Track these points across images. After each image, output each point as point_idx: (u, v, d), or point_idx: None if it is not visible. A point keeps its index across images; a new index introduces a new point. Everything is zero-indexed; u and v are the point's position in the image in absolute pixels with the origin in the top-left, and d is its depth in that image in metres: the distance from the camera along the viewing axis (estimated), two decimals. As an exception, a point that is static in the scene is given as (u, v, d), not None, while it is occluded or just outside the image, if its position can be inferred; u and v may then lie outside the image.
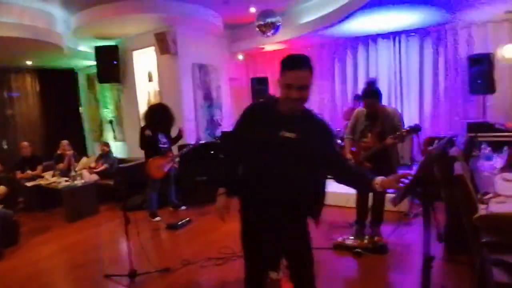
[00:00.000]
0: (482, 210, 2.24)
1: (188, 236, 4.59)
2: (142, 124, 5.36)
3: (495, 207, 2.24)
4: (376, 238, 3.73)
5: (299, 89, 1.82)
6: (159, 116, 5.11)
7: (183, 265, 3.67)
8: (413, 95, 6.76)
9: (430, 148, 2.06)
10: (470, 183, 2.51)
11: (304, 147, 1.90)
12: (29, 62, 7.58)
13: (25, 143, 6.67)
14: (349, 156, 3.83)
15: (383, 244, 3.64)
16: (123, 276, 3.40)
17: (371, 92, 3.74)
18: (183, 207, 5.64)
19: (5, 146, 7.74)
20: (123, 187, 4.92)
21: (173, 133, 5.45)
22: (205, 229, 4.70)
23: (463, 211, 2.36)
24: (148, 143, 5.02)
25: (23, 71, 7.99)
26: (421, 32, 6.53)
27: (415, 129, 3.59)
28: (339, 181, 2.03)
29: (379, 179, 1.87)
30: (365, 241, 3.70)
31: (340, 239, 3.82)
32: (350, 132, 3.95)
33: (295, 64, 1.83)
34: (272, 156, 1.91)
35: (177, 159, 5.49)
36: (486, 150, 3.36)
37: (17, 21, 5.35)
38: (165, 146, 5.15)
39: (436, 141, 4.09)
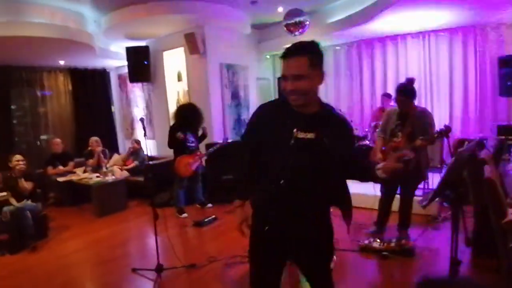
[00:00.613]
0: (511, 214, 2.17)
1: (213, 234, 4.67)
2: (171, 123, 5.48)
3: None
4: (403, 241, 3.67)
5: (293, 80, 1.62)
6: (188, 116, 5.23)
7: (209, 262, 3.73)
8: (443, 95, 6.60)
9: (460, 150, 2.01)
10: (500, 187, 2.44)
11: (321, 147, 1.68)
12: (61, 62, 7.83)
13: (58, 140, 6.89)
14: (379, 155, 3.76)
15: (410, 247, 3.58)
16: (150, 271, 3.50)
17: (407, 89, 3.63)
18: (210, 205, 5.73)
19: (39, 143, 8.04)
20: (151, 184, 5.04)
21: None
22: (230, 227, 4.75)
23: (492, 215, 2.30)
24: (176, 143, 5.13)
25: (56, 70, 8.27)
26: (450, 32, 6.36)
27: (446, 131, 3.49)
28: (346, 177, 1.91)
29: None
30: (392, 244, 3.65)
31: (366, 241, 3.78)
32: (382, 131, 3.90)
33: (288, 52, 1.65)
34: (285, 158, 1.71)
35: (204, 158, 5.59)
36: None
37: (49, 22, 5.51)
38: (193, 145, 5.26)
39: (466, 143, 3.98)
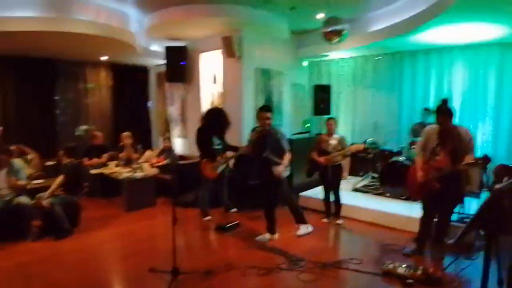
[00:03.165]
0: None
1: (235, 240, 4.61)
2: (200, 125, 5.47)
3: None
4: (430, 270, 3.44)
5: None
6: (215, 120, 5.20)
7: (226, 270, 3.68)
8: (489, 113, 6.15)
9: (498, 187, 1.81)
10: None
11: None
12: (104, 58, 8.12)
13: (99, 133, 7.18)
14: (420, 173, 3.81)
15: (437, 277, 3.35)
16: (166, 273, 3.49)
17: (444, 110, 3.66)
18: (234, 209, 5.69)
19: (77, 133, 8.33)
20: (174, 185, 5.09)
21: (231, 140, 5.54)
22: (252, 234, 4.69)
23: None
24: (203, 144, 5.13)
25: (99, 65, 8.60)
26: (502, 45, 5.91)
27: (484, 161, 3.34)
28: None
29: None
30: (419, 271, 3.42)
31: (391, 266, 3.58)
32: (422, 149, 3.89)
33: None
34: None
35: (231, 161, 5.56)
36: None
37: (93, 19, 5.71)
38: (219, 147, 5.23)
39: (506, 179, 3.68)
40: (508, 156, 5.90)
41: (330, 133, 5.01)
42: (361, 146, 4.76)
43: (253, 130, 4.62)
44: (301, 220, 4.68)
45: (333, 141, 4.95)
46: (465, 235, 1.72)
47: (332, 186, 5.05)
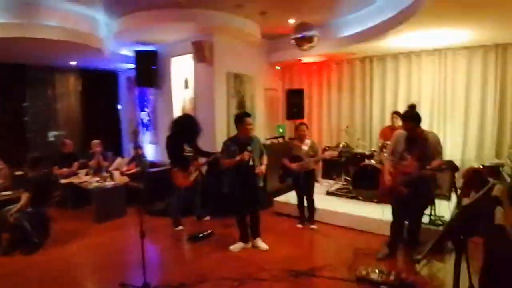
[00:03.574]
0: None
1: (208, 250, 4.49)
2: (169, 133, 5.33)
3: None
4: (403, 275, 3.46)
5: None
6: (185, 127, 5.09)
7: (198, 282, 3.59)
8: (458, 117, 6.28)
9: (467, 203, 1.79)
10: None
11: None
12: (73, 63, 7.88)
13: (69, 141, 6.98)
14: (388, 177, 3.87)
15: (410, 281, 3.37)
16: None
17: (412, 115, 3.72)
18: (207, 218, 5.58)
19: (50, 139, 8.13)
20: (144, 195, 4.94)
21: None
22: (225, 243, 4.60)
23: (504, 271, 2.09)
24: (173, 152, 5.01)
25: (68, 71, 8.33)
26: (469, 50, 6.07)
27: (453, 165, 3.41)
28: None
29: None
30: (392, 277, 3.44)
31: (364, 272, 3.58)
32: (391, 154, 3.95)
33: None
34: None
35: (203, 168, 5.46)
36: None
37: (61, 25, 5.52)
38: (190, 154, 5.12)
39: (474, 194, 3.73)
40: (476, 158, 6.07)
41: (301, 139, 4.99)
42: (335, 153, 4.76)
43: (232, 140, 4.35)
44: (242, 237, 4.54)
45: (304, 147, 4.94)
46: (435, 248, 1.69)
47: (306, 191, 5.04)
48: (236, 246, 4.42)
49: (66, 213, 6.16)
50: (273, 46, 7.69)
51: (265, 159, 4.42)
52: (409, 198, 3.74)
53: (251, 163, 4.20)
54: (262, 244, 4.44)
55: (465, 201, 1.84)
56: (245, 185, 4.25)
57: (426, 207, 3.95)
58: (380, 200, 4.16)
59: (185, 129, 5.06)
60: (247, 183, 4.25)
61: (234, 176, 4.23)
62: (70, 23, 5.69)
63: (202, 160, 5.37)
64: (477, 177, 3.54)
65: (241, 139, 4.23)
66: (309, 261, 4.18)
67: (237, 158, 4.08)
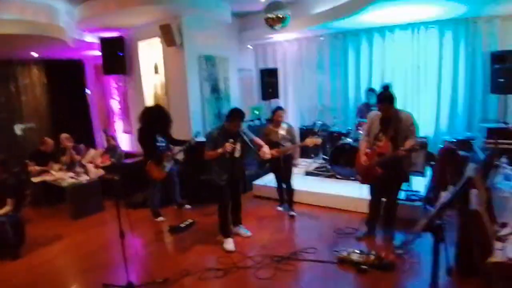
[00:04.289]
0: (497, 251, 2.02)
1: (190, 241, 4.45)
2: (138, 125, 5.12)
3: (513, 249, 2.01)
4: (383, 254, 3.54)
5: None
6: (154, 119, 4.90)
7: (181, 276, 3.56)
8: (431, 91, 6.36)
9: (442, 199, 1.78)
10: (487, 214, 2.27)
11: None
12: (35, 54, 7.49)
13: (50, 140, 6.58)
14: (363, 157, 3.89)
15: (389, 261, 3.45)
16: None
17: (386, 97, 3.71)
18: (188, 206, 5.54)
19: (19, 132, 7.87)
20: (121, 186, 4.80)
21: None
22: (207, 232, 4.58)
23: (477, 248, 2.14)
24: (146, 145, 4.88)
25: (30, 63, 7.94)
26: (440, 24, 6.08)
27: (425, 145, 3.44)
28: None
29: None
30: (372, 257, 3.51)
31: (345, 253, 3.65)
32: (366, 134, 3.98)
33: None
34: None
35: (178, 157, 5.34)
36: (506, 169, 3.08)
37: (18, 17, 5.22)
38: (163, 144, 5.00)
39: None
40: (449, 128, 6.21)
41: (278, 124, 4.90)
42: (318, 140, 4.70)
43: (218, 131, 4.08)
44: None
45: (281, 131, 4.84)
46: (414, 240, 1.71)
47: (284, 176, 5.01)
48: (228, 245, 4.15)
49: (40, 212, 5.93)
50: (244, 25, 7.50)
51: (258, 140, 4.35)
52: (385, 178, 3.79)
53: (236, 154, 4.09)
54: (244, 231, 4.43)
55: (443, 195, 1.85)
56: (232, 177, 4.15)
57: (401, 185, 4.00)
58: (358, 180, 4.19)
59: (155, 120, 4.88)
60: (234, 175, 4.17)
61: (220, 167, 4.09)
62: (28, 15, 5.39)
63: (175, 149, 5.25)
64: (451, 154, 3.61)
65: (227, 131, 4.04)
66: (291, 245, 4.22)
67: (220, 150, 3.94)
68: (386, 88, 3.77)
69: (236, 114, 4.01)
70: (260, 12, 6.06)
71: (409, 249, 3.68)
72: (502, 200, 2.78)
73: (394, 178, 3.83)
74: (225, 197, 4.23)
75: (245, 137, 4.10)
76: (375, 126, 3.84)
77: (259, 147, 4.23)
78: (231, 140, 3.97)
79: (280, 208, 5.24)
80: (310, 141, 4.63)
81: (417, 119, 6.40)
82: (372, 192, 4.11)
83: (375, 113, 3.91)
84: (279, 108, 5.00)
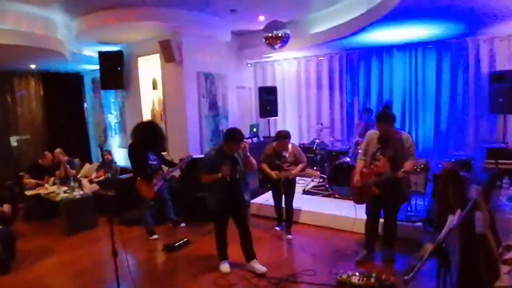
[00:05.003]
0: (504, 275, 1.94)
1: (184, 261, 4.33)
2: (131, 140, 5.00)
3: (521, 274, 1.94)
4: (383, 276, 3.44)
5: None
6: (147, 135, 4.76)
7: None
8: (429, 111, 6.38)
9: (440, 236, 1.70)
10: (492, 237, 2.21)
11: None
12: (32, 66, 7.47)
13: (49, 154, 6.59)
14: (356, 177, 3.83)
15: (391, 283, 3.36)
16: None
17: (386, 116, 3.67)
18: (183, 224, 5.41)
19: (14, 144, 7.82)
20: (115, 202, 4.68)
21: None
22: (202, 252, 4.46)
23: (484, 272, 2.06)
24: (137, 162, 4.78)
25: (27, 75, 7.93)
26: (439, 45, 6.14)
27: (427, 167, 3.38)
28: None
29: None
30: (372, 279, 3.41)
31: (344, 275, 3.54)
32: (363, 154, 3.90)
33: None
34: None
35: (168, 177, 5.23)
36: (509, 190, 3.03)
37: (14, 28, 5.21)
38: (155, 163, 4.90)
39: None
40: (448, 151, 6.15)
41: (282, 148, 4.66)
42: (317, 173, 4.69)
43: (216, 153, 3.79)
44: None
45: (285, 153, 4.70)
46: (421, 268, 1.64)
47: (285, 199, 4.85)
48: (224, 267, 3.95)
49: (33, 227, 5.81)
50: (244, 43, 7.53)
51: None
52: (382, 199, 3.71)
53: (237, 176, 3.80)
54: (259, 267, 3.88)
55: (450, 218, 1.79)
56: (229, 200, 3.82)
57: (400, 206, 3.92)
58: (353, 200, 4.12)
59: (147, 137, 4.74)
60: (233, 197, 3.83)
61: (219, 191, 3.78)
62: (23, 26, 5.38)
63: (169, 170, 5.15)
64: (453, 175, 3.56)
65: (225, 153, 3.75)
66: (289, 266, 4.11)
67: (220, 174, 3.65)
68: (386, 107, 3.75)
69: (233, 136, 3.70)
70: (260, 31, 6.11)
71: (415, 275, 3.58)
72: (506, 222, 2.72)
73: (392, 199, 3.76)
74: (218, 221, 3.92)
75: (239, 159, 3.82)
76: (373, 145, 3.78)
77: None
78: (227, 162, 3.69)
79: (277, 228, 5.13)
80: (310, 172, 4.61)
81: (415, 139, 6.43)
82: (369, 211, 4.02)
83: (373, 132, 3.86)
84: (286, 137, 4.64)
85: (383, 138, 3.69)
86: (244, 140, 3.86)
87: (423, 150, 6.39)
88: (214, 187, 3.78)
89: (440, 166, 5.42)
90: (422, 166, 3.37)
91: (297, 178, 5.59)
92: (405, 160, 3.54)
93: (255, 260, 3.93)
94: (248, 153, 3.89)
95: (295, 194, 4.88)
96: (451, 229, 1.72)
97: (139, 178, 4.75)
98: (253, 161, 3.96)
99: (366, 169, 3.80)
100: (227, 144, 3.70)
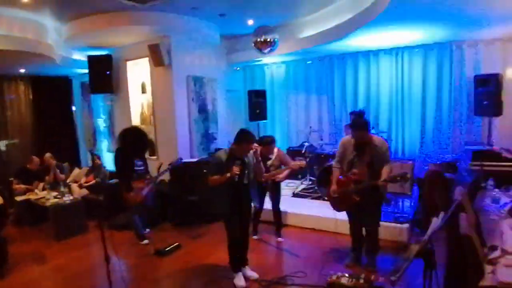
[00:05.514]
0: (488, 274, 2.01)
1: (175, 265, 4.32)
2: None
3: (504, 273, 2.00)
4: (372, 277, 3.50)
5: None
6: (133, 141, 4.70)
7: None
8: (415, 114, 6.48)
9: (425, 236, 1.76)
10: (477, 237, 2.28)
11: None
12: (22, 70, 7.43)
13: (36, 158, 6.53)
14: (334, 187, 3.83)
15: (380, 284, 3.42)
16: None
17: (360, 124, 3.71)
18: (146, 241, 5.04)
19: (3, 148, 7.77)
20: (105, 206, 4.63)
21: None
22: (194, 256, 4.47)
23: (470, 272, 2.13)
24: (122, 168, 4.72)
25: (16, 79, 7.88)
26: (425, 48, 6.24)
27: (406, 179, 3.43)
28: None
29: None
30: (361, 280, 3.46)
31: (334, 277, 3.58)
32: (339, 161, 3.89)
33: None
34: None
35: (162, 177, 5.21)
36: (493, 192, 3.12)
37: (6, 33, 5.20)
38: (141, 168, 4.85)
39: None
40: (433, 153, 6.26)
41: (268, 152, 4.63)
42: (303, 163, 4.64)
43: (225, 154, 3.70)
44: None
45: (270, 155, 4.75)
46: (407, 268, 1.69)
47: (272, 201, 4.88)
48: (238, 278, 3.75)
49: (23, 232, 5.77)
50: (233, 46, 7.55)
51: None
52: (362, 205, 3.71)
53: (245, 181, 3.69)
54: (251, 273, 3.85)
55: (434, 220, 1.84)
56: (239, 207, 3.70)
57: (380, 208, 3.92)
58: (333, 208, 4.11)
59: (133, 142, 4.68)
60: (241, 205, 3.72)
61: (228, 196, 3.63)
62: (16, 31, 5.38)
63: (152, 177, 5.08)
64: (439, 177, 3.64)
65: (235, 155, 3.64)
66: (280, 268, 4.16)
67: (228, 174, 3.50)
68: (360, 115, 3.78)
69: (246, 136, 3.57)
70: (249, 34, 6.15)
71: (401, 276, 3.64)
72: (490, 222, 2.80)
73: (373, 205, 3.77)
74: (233, 229, 3.70)
75: (249, 164, 3.71)
76: (349, 152, 3.76)
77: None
78: (238, 162, 3.55)
79: (255, 237, 4.93)
80: (297, 164, 4.57)
81: (402, 142, 6.52)
82: (351, 219, 4.02)
83: (347, 139, 3.85)
84: (272, 142, 4.65)
85: (359, 145, 3.67)
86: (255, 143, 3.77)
87: (409, 153, 6.50)
88: (220, 191, 3.63)
89: (426, 168, 5.55)
90: (403, 175, 3.41)
91: (286, 181, 5.63)
92: (382, 165, 3.57)
93: (247, 266, 3.92)
94: (260, 158, 3.83)
95: (285, 197, 4.89)
96: (435, 230, 1.77)
97: (123, 183, 4.68)
98: (262, 166, 3.94)
99: (343, 177, 3.80)
100: (240, 145, 3.58)
